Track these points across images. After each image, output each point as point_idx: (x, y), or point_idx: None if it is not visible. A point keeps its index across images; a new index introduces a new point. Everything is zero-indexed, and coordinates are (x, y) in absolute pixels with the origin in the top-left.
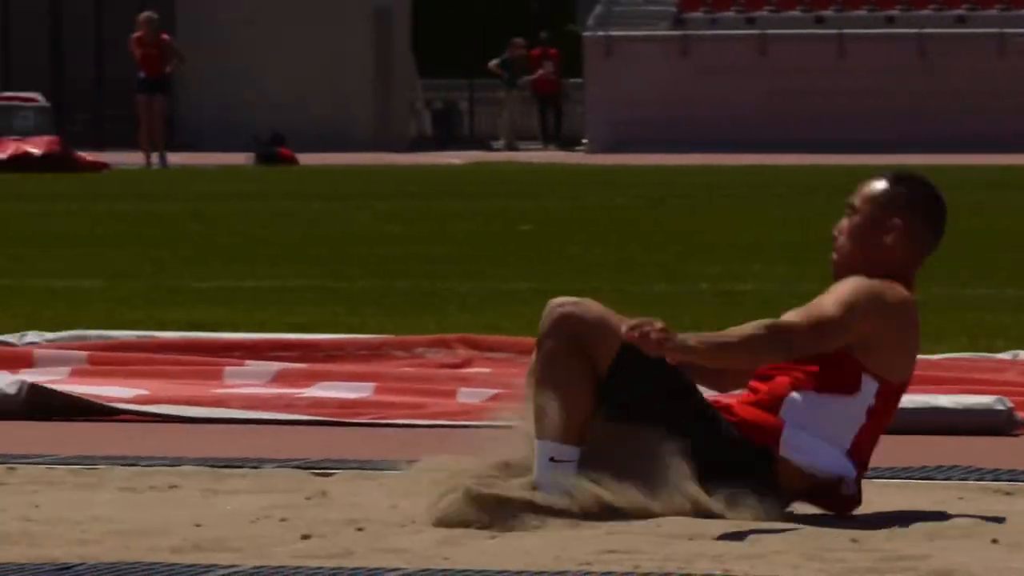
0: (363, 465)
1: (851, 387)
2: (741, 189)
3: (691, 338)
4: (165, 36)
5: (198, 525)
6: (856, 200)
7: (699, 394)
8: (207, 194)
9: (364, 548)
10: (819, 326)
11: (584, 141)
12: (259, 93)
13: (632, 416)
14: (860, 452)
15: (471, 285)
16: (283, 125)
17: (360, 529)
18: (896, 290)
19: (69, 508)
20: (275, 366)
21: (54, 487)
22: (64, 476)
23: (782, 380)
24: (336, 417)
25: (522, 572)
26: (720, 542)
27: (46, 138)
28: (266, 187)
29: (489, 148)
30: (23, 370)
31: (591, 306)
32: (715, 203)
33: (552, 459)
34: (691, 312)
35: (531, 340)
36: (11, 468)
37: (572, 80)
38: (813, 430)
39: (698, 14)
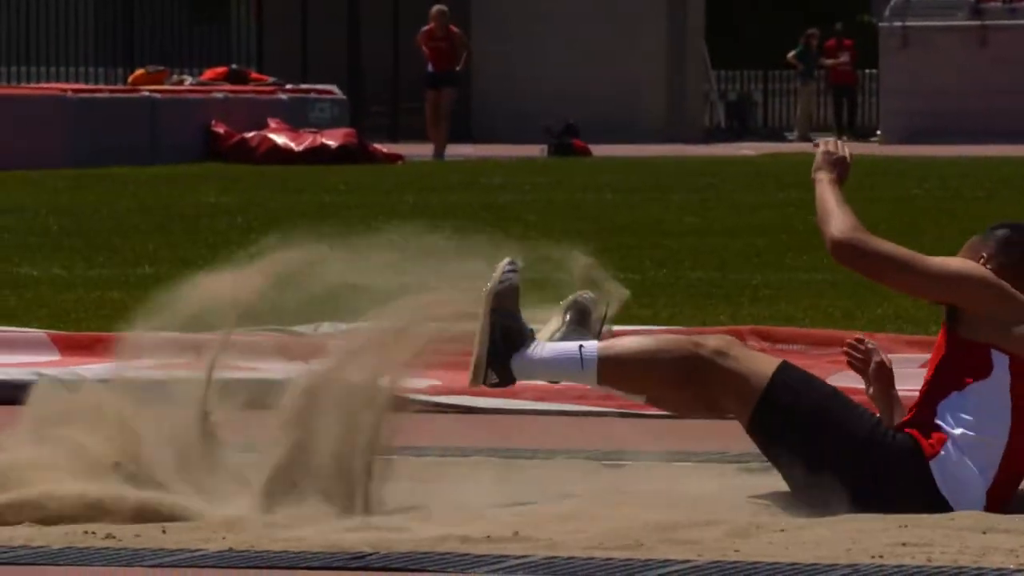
0: (658, 456)
1: (984, 368)
2: None
3: (837, 189)
4: (454, 29)
5: None
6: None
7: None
8: (499, 185)
9: (654, 539)
10: (901, 261)
11: (878, 132)
12: (552, 84)
13: (796, 424)
14: (1002, 489)
15: (763, 276)
16: (576, 116)
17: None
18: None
19: None
20: None
21: None
22: None
23: (926, 401)
24: (626, 408)
25: (814, 564)
26: (1014, 536)
27: (342, 130)
28: (558, 178)
29: (783, 139)
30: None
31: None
32: (1012, 195)
33: (582, 346)
34: None
35: (826, 332)
36: None
37: (866, 71)
38: (969, 443)
39: (996, 4)
